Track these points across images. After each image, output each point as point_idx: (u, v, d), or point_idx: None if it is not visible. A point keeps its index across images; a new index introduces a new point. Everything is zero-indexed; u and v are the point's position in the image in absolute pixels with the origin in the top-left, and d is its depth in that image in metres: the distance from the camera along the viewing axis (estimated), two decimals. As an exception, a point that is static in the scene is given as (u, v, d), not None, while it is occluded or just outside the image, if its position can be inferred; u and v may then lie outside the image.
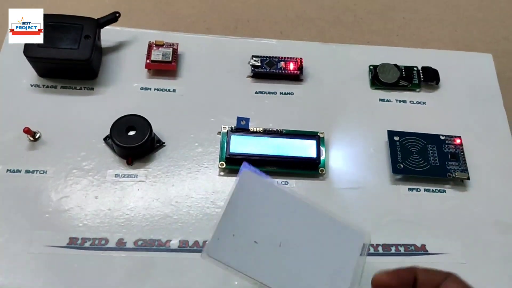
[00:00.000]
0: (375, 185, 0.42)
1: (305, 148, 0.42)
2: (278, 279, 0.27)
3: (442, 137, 0.44)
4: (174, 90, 0.46)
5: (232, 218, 0.28)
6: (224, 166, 0.41)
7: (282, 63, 0.47)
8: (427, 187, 0.42)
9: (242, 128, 0.42)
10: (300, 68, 0.47)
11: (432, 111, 0.47)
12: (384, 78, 0.47)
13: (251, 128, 0.43)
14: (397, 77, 0.47)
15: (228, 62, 0.48)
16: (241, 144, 0.41)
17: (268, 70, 0.47)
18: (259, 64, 0.47)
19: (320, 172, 0.41)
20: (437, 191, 0.42)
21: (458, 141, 0.44)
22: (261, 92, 0.47)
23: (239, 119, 0.43)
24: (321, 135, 0.43)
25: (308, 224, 0.29)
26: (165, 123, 0.44)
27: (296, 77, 0.48)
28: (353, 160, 0.43)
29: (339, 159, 0.43)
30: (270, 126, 0.44)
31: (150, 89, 0.46)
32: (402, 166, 0.42)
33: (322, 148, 0.42)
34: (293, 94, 0.47)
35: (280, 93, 0.47)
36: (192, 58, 0.48)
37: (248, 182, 0.30)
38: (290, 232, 0.28)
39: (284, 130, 0.43)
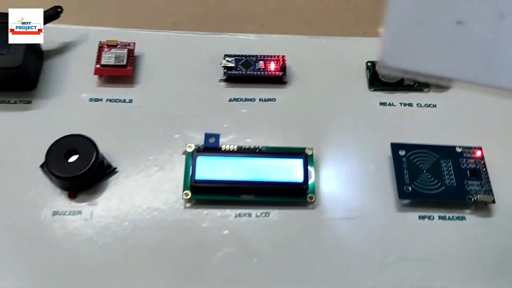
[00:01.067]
0: (377, 213, 0.34)
1: (290, 170, 0.34)
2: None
3: (458, 149, 0.35)
4: (130, 101, 0.38)
5: None
6: (189, 197, 0.33)
7: (261, 63, 0.39)
8: (442, 214, 0.34)
9: (211, 147, 0.34)
10: (283, 68, 0.39)
11: (444, 115, 0.38)
12: (385, 77, 0.39)
13: (222, 146, 0.35)
14: (401, 75, 0.39)
15: (196, 64, 0.40)
16: (209, 168, 0.33)
17: (244, 72, 0.39)
18: (233, 65, 0.39)
19: (309, 200, 0.33)
20: (454, 218, 0.34)
21: (478, 153, 0.35)
22: (236, 99, 0.39)
23: (207, 136, 0.34)
24: (309, 152, 0.35)
25: None
26: (118, 142, 0.36)
27: (279, 80, 0.39)
28: (349, 182, 0.35)
29: (332, 182, 0.35)
30: (247, 143, 0.36)
31: (101, 100, 0.38)
32: (410, 188, 0.34)
33: (310, 169, 0.34)
34: (275, 100, 0.39)
35: (260, 99, 0.39)
36: (153, 60, 0.40)
37: None
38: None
39: (263, 147, 0.35)
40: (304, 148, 0.35)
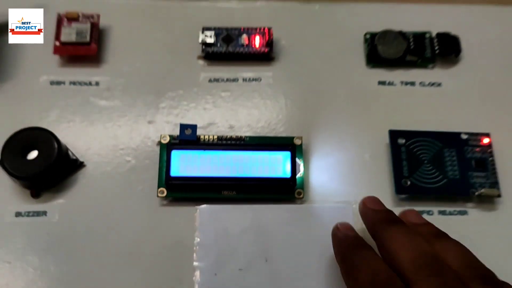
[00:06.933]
0: (372, 210, 0.31)
1: (276, 164, 0.30)
2: None
3: (464, 136, 0.32)
4: (96, 83, 0.34)
5: (206, 257, 0.28)
6: (165, 194, 0.30)
7: (245, 37, 0.34)
8: (442, 209, 0.31)
9: (187, 139, 0.31)
10: (269, 42, 0.34)
11: (450, 96, 0.34)
12: (386, 52, 0.34)
13: (201, 137, 0.31)
14: (403, 49, 0.34)
15: (170, 38, 0.35)
16: (186, 163, 0.30)
17: (226, 49, 0.34)
18: (213, 40, 0.34)
19: (297, 196, 0.30)
20: (456, 213, 0.31)
21: (486, 140, 0.32)
22: (216, 80, 0.34)
23: (183, 128, 0.31)
24: (298, 142, 0.31)
25: (282, 226, 0.30)
26: (85, 132, 0.32)
27: (264, 56, 0.35)
28: (342, 173, 0.32)
29: (323, 174, 0.32)
30: (228, 131, 0.32)
31: (64, 83, 0.34)
32: (409, 182, 0.30)
33: (299, 161, 0.31)
34: (260, 80, 0.34)
35: (243, 79, 0.34)
36: (121, 35, 0.35)
37: (208, 215, 0.30)
38: (270, 243, 0.29)
39: (247, 137, 0.32)
40: (293, 138, 0.31)
